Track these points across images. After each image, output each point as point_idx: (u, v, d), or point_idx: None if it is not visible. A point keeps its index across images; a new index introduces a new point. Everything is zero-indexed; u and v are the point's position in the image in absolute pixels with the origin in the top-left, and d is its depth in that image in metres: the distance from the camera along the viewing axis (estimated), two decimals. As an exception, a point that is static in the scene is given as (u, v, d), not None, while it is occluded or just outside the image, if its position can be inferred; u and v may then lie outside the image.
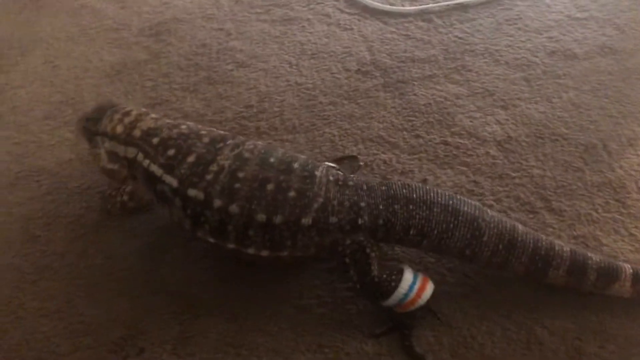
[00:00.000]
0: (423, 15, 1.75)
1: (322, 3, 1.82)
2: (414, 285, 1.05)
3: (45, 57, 1.70)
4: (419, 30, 1.70)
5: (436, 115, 1.47)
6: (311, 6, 1.81)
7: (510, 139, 1.40)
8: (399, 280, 1.05)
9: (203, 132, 1.16)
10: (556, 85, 1.51)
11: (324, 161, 1.28)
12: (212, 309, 1.14)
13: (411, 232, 1.06)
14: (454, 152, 1.38)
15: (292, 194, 1.05)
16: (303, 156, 1.16)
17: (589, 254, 1.07)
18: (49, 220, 1.31)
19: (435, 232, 1.05)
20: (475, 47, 1.64)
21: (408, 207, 1.06)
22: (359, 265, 1.05)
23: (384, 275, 1.05)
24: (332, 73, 1.61)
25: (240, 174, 1.07)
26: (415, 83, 1.55)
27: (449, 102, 1.49)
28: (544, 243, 1.06)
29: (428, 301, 1.06)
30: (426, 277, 1.08)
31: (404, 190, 1.07)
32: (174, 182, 1.09)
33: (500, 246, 1.05)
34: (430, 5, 1.77)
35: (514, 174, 1.32)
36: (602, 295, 1.08)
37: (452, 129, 1.43)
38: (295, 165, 1.09)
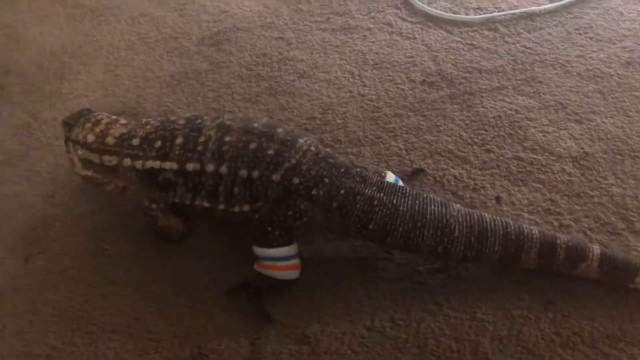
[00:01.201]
0: (488, 24, 1.70)
1: (383, 11, 1.78)
2: (287, 259, 1.13)
3: (106, 66, 1.70)
4: (484, 40, 1.65)
5: (507, 128, 1.42)
6: (372, 14, 1.78)
7: (587, 155, 1.34)
8: (282, 244, 1.12)
9: (173, 118, 1.25)
10: (633, 98, 1.44)
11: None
12: (283, 328, 1.11)
13: (371, 226, 1.09)
14: (528, 169, 1.33)
15: (270, 152, 1.13)
16: (290, 128, 1.23)
17: (557, 234, 1.09)
18: (115, 232, 1.30)
19: (400, 230, 1.08)
20: (545, 57, 1.58)
21: (372, 202, 1.09)
22: (274, 212, 1.12)
23: (277, 232, 1.12)
24: (396, 84, 1.57)
25: (227, 138, 1.16)
26: (483, 95, 1.51)
27: (519, 115, 1.44)
28: (512, 228, 1.08)
29: (282, 283, 1.14)
30: (299, 264, 1.15)
31: (374, 187, 1.11)
32: (174, 166, 1.17)
33: (472, 238, 1.07)
34: (496, 13, 1.72)
35: (592, 193, 1.27)
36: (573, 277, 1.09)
37: (525, 144, 1.38)
38: (279, 130, 1.17)
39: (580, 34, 1.63)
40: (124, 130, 1.23)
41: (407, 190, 1.11)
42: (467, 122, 1.45)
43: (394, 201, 1.09)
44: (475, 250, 1.08)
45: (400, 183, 1.24)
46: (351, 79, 1.60)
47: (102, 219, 1.33)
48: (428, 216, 1.08)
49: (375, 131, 1.46)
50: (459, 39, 1.66)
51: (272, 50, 1.71)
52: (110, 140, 1.22)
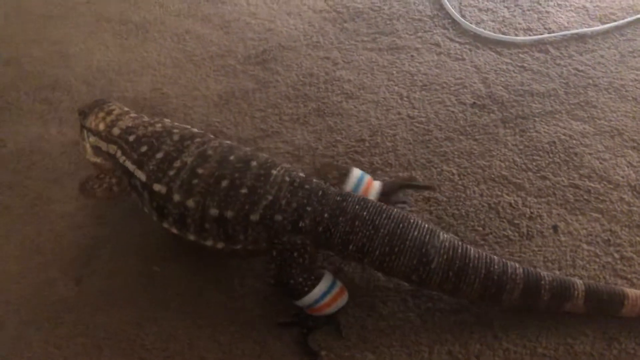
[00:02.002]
0: (539, 45, 1.68)
1: (430, 31, 1.77)
2: (326, 295, 1.09)
3: (153, 84, 1.70)
4: (535, 62, 1.63)
5: (562, 155, 1.39)
6: (419, 34, 1.76)
7: (646, 184, 1.31)
8: (312, 286, 1.08)
9: (175, 130, 1.24)
10: (692, 125, 1.41)
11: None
12: (337, 358, 1.10)
13: (350, 247, 1.08)
14: (585, 197, 1.30)
15: (244, 190, 1.11)
16: (265, 155, 1.20)
17: (542, 273, 1.06)
18: (165, 254, 1.30)
19: (377, 253, 1.06)
20: (598, 81, 1.55)
21: (354, 222, 1.07)
22: (282, 264, 1.09)
23: (300, 279, 1.08)
24: (446, 106, 1.55)
25: (200, 170, 1.13)
26: (536, 119, 1.48)
27: (574, 141, 1.41)
28: (496, 267, 1.05)
29: (338, 311, 1.11)
30: (343, 288, 1.12)
31: (357, 206, 1.09)
32: (143, 177, 1.18)
33: (450, 273, 1.04)
34: (546, 35, 1.69)
35: (654, 224, 1.23)
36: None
37: (581, 171, 1.35)
38: (253, 163, 1.15)
39: (635, 57, 1.59)
40: (130, 124, 1.27)
41: (394, 212, 1.08)
42: (521, 147, 1.42)
43: (376, 222, 1.07)
44: (452, 285, 1.05)
45: (366, 179, 1.24)
46: (399, 100, 1.58)
47: (152, 240, 1.32)
48: (407, 242, 1.05)
49: (426, 155, 1.44)
50: (509, 61, 1.64)
51: (318, 70, 1.70)
52: (115, 130, 1.27)
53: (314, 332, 1.13)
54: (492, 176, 1.37)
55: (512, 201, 1.31)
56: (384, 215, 1.07)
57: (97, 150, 1.30)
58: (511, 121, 1.48)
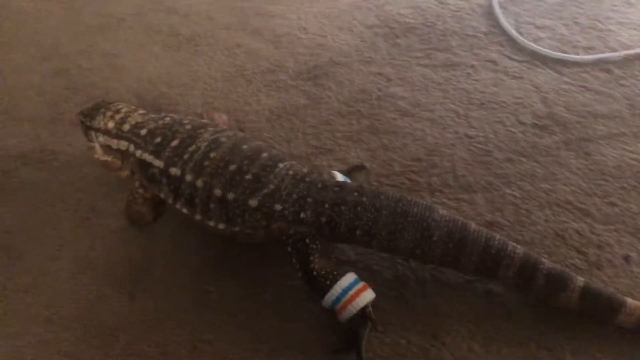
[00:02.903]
0: (600, 64, 1.62)
1: (486, 48, 1.72)
2: (349, 290, 1.10)
3: (204, 98, 1.69)
4: (597, 82, 1.57)
5: (630, 180, 1.33)
6: (474, 51, 1.72)
7: None
8: (335, 280, 1.11)
9: (185, 121, 1.31)
10: None
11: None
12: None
13: (357, 232, 1.13)
14: (658, 225, 1.24)
15: (248, 176, 1.17)
16: (277, 150, 1.30)
17: (543, 259, 1.09)
18: (219, 274, 1.27)
19: (384, 233, 1.11)
20: (666, 102, 1.49)
21: (356, 209, 1.12)
22: (300, 255, 1.13)
23: (323, 272, 1.12)
24: (505, 126, 1.50)
25: (212, 154, 1.21)
26: (600, 142, 1.42)
27: (643, 166, 1.36)
28: (496, 243, 1.09)
29: (368, 311, 1.10)
30: (366, 285, 1.12)
31: (355, 194, 1.14)
32: (161, 164, 1.24)
33: (451, 245, 1.09)
34: (609, 54, 1.63)
35: None
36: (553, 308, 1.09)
37: (651, 198, 1.29)
38: (264, 155, 1.21)
39: None
40: (140, 120, 1.33)
41: (390, 194, 1.14)
42: (585, 170, 1.37)
43: (376, 205, 1.12)
44: (452, 257, 1.10)
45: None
46: (456, 119, 1.54)
47: (206, 258, 1.30)
48: (409, 218, 1.10)
49: (487, 176, 1.39)
50: (569, 80, 1.59)
51: (371, 86, 1.67)
52: (126, 127, 1.32)
53: (362, 342, 1.10)
54: (557, 201, 1.32)
55: (579, 228, 1.26)
56: (382, 197, 1.13)
57: (107, 149, 1.35)
58: (574, 143, 1.43)
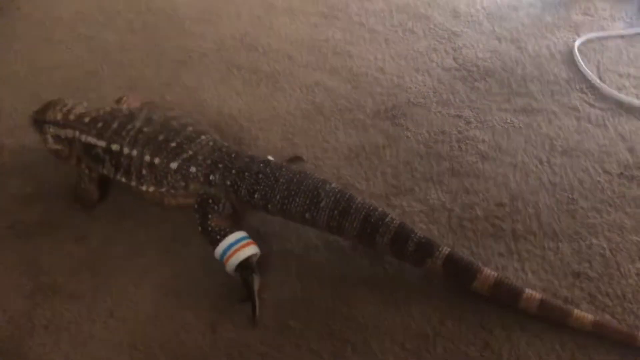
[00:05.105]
0: (689, 115, 1.59)
1: (567, 95, 1.71)
2: (234, 244, 1.30)
3: (283, 134, 1.72)
4: (686, 133, 1.54)
5: None
6: (555, 97, 1.71)
7: None
8: (225, 236, 1.31)
9: (123, 107, 1.58)
10: None
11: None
12: None
13: (256, 196, 1.32)
14: None
15: (173, 144, 1.40)
16: (206, 128, 1.50)
17: (417, 231, 1.24)
18: (300, 309, 1.27)
19: (278, 197, 1.30)
20: None
21: (257, 176, 1.32)
22: (201, 211, 1.35)
23: (217, 228, 1.32)
24: (590, 175, 1.48)
25: (145, 129, 1.44)
26: (692, 195, 1.39)
27: None
28: (377, 213, 1.24)
29: (250, 262, 1.29)
30: (252, 242, 1.32)
31: (261, 164, 1.34)
32: (103, 144, 1.47)
33: (336, 212, 1.26)
34: (698, 104, 1.60)
35: None
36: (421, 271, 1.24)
37: None
38: (189, 129, 1.44)
39: None
40: (83, 111, 1.55)
41: (294, 169, 1.33)
42: (678, 224, 1.33)
43: (276, 174, 1.31)
44: (336, 222, 1.26)
45: None
46: (539, 165, 1.52)
47: (287, 292, 1.31)
48: (302, 187, 1.29)
49: (573, 225, 1.37)
50: (656, 130, 1.56)
51: (450, 128, 1.67)
52: (71, 117, 1.54)
53: (254, 290, 1.28)
54: (648, 254, 1.28)
55: (674, 284, 1.22)
56: (284, 170, 1.33)
57: (56, 138, 1.55)
58: (665, 195, 1.40)
